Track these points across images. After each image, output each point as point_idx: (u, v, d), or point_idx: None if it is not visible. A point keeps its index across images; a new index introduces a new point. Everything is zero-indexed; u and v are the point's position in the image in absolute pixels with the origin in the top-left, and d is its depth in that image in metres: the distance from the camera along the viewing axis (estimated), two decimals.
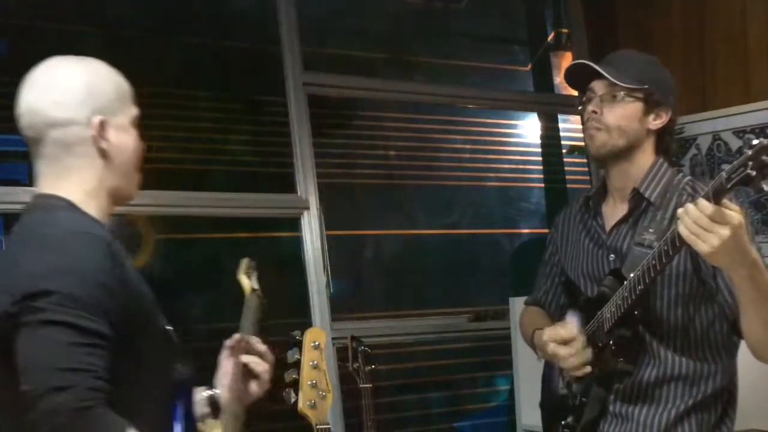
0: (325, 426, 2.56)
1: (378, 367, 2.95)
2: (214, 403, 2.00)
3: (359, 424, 2.91)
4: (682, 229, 1.88)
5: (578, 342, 2.22)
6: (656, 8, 4.09)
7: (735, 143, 3.73)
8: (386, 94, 4.04)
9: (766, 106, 3.62)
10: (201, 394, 2.00)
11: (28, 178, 3.22)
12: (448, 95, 4.19)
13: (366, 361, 2.92)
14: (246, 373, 2.00)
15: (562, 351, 2.24)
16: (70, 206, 1.74)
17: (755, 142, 1.77)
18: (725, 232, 1.83)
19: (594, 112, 2.25)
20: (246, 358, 1.99)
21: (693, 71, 3.90)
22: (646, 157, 2.28)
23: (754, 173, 1.75)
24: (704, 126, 3.83)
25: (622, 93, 2.23)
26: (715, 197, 1.83)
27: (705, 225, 1.84)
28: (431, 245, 4.25)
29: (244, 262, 2.35)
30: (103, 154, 1.77)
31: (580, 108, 2.33)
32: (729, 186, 1.80)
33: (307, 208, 3.66)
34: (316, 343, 2.59)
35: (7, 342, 1.58)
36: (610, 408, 2.27)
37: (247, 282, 2.27)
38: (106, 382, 1.55)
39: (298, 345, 2.60)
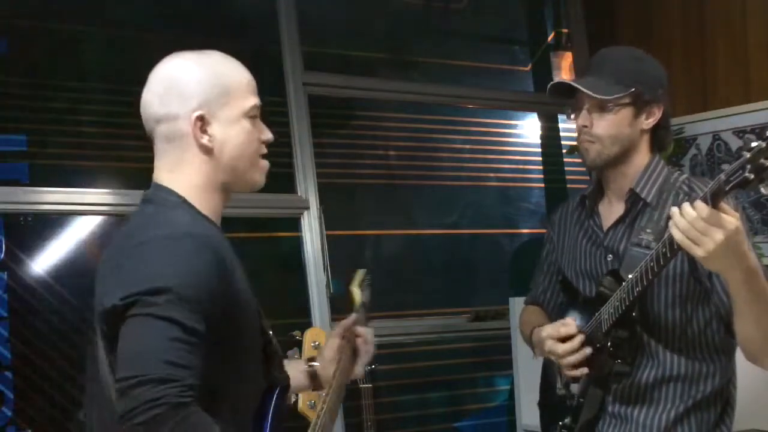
0: None
1: (378, 367, 2.95)
2: (313, 375, 2.13)
3: (359, 424, 2.91)
4: (676, 232, 1.87)
5: (577, 340, 2.22)
6: (656, 8, 4.10)
7: (735, 143, 3.73)
8: (386, 94, 4.04)
9: (766, 106, 3.62)
10: (302, 366, 2.15)
11: (28, 178, 3.23)
12: (448, 95, 4.20)
13: None
14: (353, 352, 2.17)
15: (560, 348, 2.24)
16: (183, 203, 1.76)
17: (754, 144, 1.75)
18: (719, 236, 1.82)
19: (584, 126, 2.24)
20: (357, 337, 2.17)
21: (693, 71, 3.90)
22: (641, 157, 2.27)
23: (752, 176, 1.74)
24: (704, 126, 3.83)
25: (609, 103, 2.21)
26: (713, 200, 1.82)
27: (700, 228, 1.83)
28: (431, 245, 4.25)
29: (360, 274, 2.42)
30: (206, 150, 1.77)
31: (571, 118, 2.32)
32: (727, 189, 1.79)
33: (307, 208, 3.66)
34: (316, 343, 2.59)
35: (115, 334, 1.61)
36: (609, 409, 2.27)
37: (359, 295, 2.34)
38: (199, 382, 1.57)
39: (298, 345, 2.60)
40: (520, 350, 3.69)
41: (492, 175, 4.41)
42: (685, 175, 2.27)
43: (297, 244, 3.67)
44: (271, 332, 1.88)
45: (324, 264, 3.63)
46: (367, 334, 2.19)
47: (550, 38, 4.62)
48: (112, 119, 3.35)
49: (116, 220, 3.38)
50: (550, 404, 2.46)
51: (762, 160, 1.72)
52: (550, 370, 2.47)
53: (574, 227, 2.43)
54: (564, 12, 4.53)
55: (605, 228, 2.32)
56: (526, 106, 4.48)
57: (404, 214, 4.21)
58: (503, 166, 4.43)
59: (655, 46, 3.98)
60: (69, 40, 3.42)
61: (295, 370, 2.11)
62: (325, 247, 3.64)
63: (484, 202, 4.44)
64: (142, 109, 1.80)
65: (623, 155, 2.24)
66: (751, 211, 3.59)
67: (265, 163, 1.86)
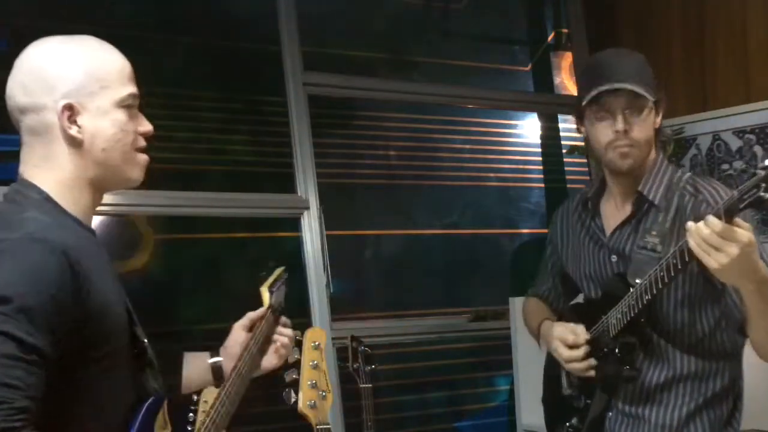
0: (325, 426, 2.55)
1: (378, 367, 2.95)
2: (217, 370, 2.02)
3: (359, 424, 2.91)
4: (693, 245, 1.88)
5: (582, 350, 2.23)
6: (656, 8, 4.09)
7: (735, 143, 3.73)
8: (386, 94, 4.04)
9: (766, 106, 3.62)
10: (206, 361, 2.03)
11: None
12: (448, 95, 4.19)
13: (366, 361, 2.91)
14: (264, 345, 2.06)
15: (566, 353, 2.25)
16: (46, 200, 1.63)
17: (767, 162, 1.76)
18: (734, 250, 1.84)
19: (625, 130, 2.17)
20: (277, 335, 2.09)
21: (693, 71, 3.90)
22: (651, 156, 2.27)
23: (766, 195, 1.75)
24: (704, 126, 3.83)
25: (646, 107, 2.18)
26: (726, 216, 1.83)
27: (714, 243, 1.84)
28: (431, 245, 4.25)
29: (274, 274, 2.35)
30: (74, 142, 1.63)
31: (580, 130, 2.29)
32: (741, 206, 1.80)
33: (307, 208, 3.65)
34: (316, 343, 2.59)
35: None
36: (619, 408, 2.27)
37: (267, 297, 2.27)
38: (36, 402, 1.45)
39: (298, 345, 2.59)
40: (520, 350, 3.69)
41: (492, 175, 4.40)
42: (688, 174, 2.27)
43: (297, 244, 3.67)
44: (146, 341, 1.75)
45: (324, 264, 3.62)
46: (287, 333, 2.12)
47: (550, 38, 4.62)
48: None
49: (115, 219, 3.38)
50: (556, 403, 2.46)
51: None
52: (555, 367, 2.47)
53: (576, 227, 2.43)
54: (564, 12, 4.53)
55: (610, 229, 2.32)
56: (526, 106, 4.48)
57: (404, 214, 4.20)
58: (503, 166, 4.42)
59: (655, 46, 3.98)
60: None
61: (198, 364, 2.03)
62: (325, 247, 3.64)
63: (484, 202, 4.44)
64: (6, 100, 1.67)
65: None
66: (752, 212, 3.59)
67: (142, 158, 1.73)
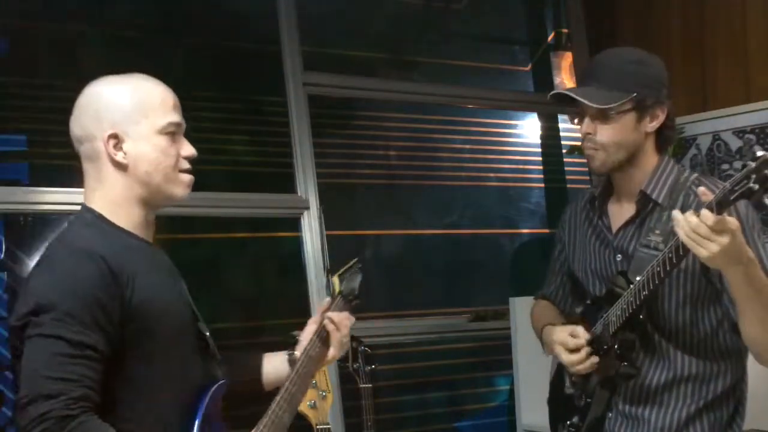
0: (325, 426, 2.56)
1: (378, 367, 2.95)
2: (293, 362, 2.15)
3: (359, 424, 2.91)
4: (683, 236, 1.90)
5: (583, 352, 2.23)
6: (656, 8, 4.10)
7: (735, 143, 3.73)
8: (386, 94, 4.04)
9: (766, 106, 3.62)
10: (283, 356, 2.17)
11: (28, 178, 3.23)
12: (448, 95, 4.20)
13: (366, 361, 2.92)
14: (327, 337, 2.17)
15: (567, 357, 2.25)
16: (98, 219, 1.86)
17: (759, 153, 1.78)
18: (725, 239, 1.87)
19: (588, 133, 2.22)
20: (326, 321, 2.17)
21: (693, 71, 3.90)
22: (649, 158, 2.26)
23: (756, 187, 1.77)
24: (704, 126, 3.83)
25: (611, 111, 2.19)
26: (718, 208, 1.86)
27: (704, 234, 1.87)
28: (431, 245, 4.25)
29: (347, 264, 2.44)
30: (120, 166, 1.87)
31: (575, 123, 2.31)
32: (732, 198, 1.82)
33: (307, 208, 3.66)
34: None
35: (20, 353, 1.72)
36: (619, 408, 2.27)
37: (338, 284, 2.36)
38: (95, 392, 1.67)
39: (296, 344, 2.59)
40: (520, 350, 3.70)
41: (492, 175, 4.41)
42: (695, 175, 2.26)
43: (297, 244, 3.67)
44: (207, 333, 1.99)
45: (324, 264, 3.63)
46: (340, 320, 2.19)
47: (550, 38, 4.62)
48: None
49: None
50: (559, 402, 2.46)
51: (766, 171, 1.74)
52: (559, 367, 2.47)
53: (583, 225, 2.43)
54: (564, 12, 4.53)
55: (615, 228, 2.32)
56: (526, 106, 4.48)
57: (404, 214, 4.21)
58: (503, 166, 4.43)
59: (655, 46, 3.97)
60: (69, 40, 3.41)
61: (276, 360, 2.18)
62: (325, 247, 3.64)
63: (484, 202, 4.44)
64: (70, 132, 1.93)
65: (630, 159, 2.24)
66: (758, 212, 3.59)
67: (186, 177, 1.95)
